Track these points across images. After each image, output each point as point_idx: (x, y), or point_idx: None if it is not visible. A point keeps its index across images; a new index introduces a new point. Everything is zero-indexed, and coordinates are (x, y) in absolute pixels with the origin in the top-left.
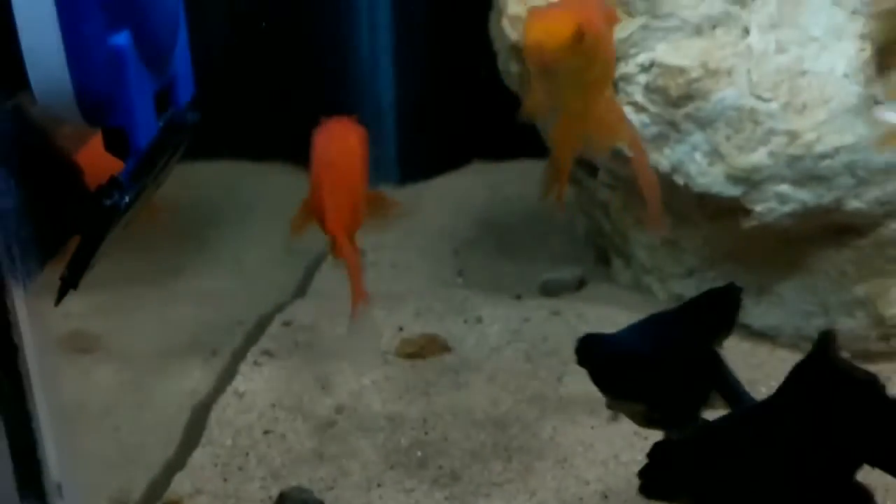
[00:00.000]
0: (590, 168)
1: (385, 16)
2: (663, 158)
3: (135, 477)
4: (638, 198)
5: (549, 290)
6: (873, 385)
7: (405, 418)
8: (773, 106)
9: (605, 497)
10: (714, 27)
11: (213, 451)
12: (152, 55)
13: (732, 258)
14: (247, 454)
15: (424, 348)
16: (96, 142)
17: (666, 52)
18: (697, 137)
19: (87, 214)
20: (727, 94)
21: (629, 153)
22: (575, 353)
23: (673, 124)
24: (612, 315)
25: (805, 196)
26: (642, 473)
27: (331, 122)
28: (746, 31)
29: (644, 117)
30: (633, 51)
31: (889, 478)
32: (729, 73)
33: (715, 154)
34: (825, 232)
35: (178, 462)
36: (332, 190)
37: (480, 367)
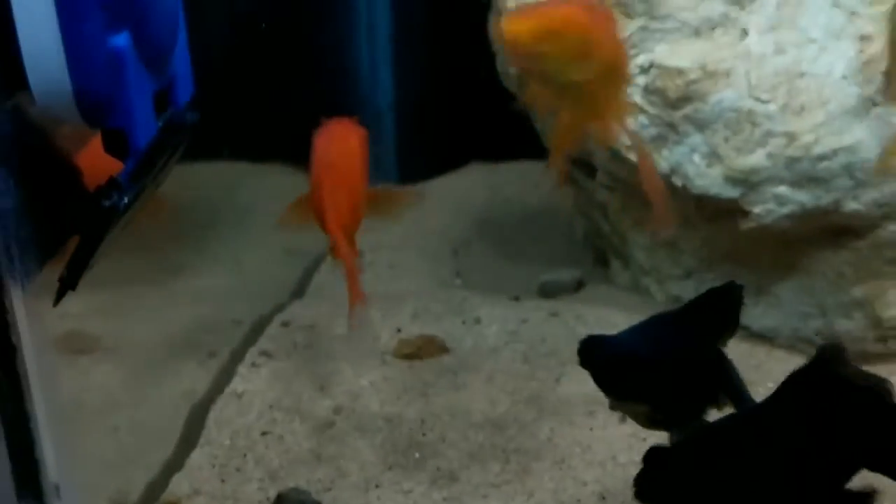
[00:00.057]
0: (588, 169)
1: (384, 17)
2: (662, 160)
3: (133, 477)
4: (637, 199)
5: (548, 292)
6: (875, 390)
7: (403, 419)
8: (772, 108)
9: (603, 498)
10: (713, 29)
11: (211, 452)
12: (152, 56)
13: (731, 259)
14: (245, 455)
15: (422, 349)
16: (97, 142)
17: (664, 53)
18: (696, 139)
19: (86, 215)
20: (726, 95)
21: (627, 155)
22: (577, 355)
23: (671, 126)
24: (610, 316)
25: (803, 198)
26: (638, 479)
27: (331, 123)
28: (745, 33)
29: (643, 119)
30: (631, 52)
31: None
32: (727, 74)
33: (713, 155)
34: (823, 233)
35: (176, 463)
36: (332, 190)
37: (478, 368)
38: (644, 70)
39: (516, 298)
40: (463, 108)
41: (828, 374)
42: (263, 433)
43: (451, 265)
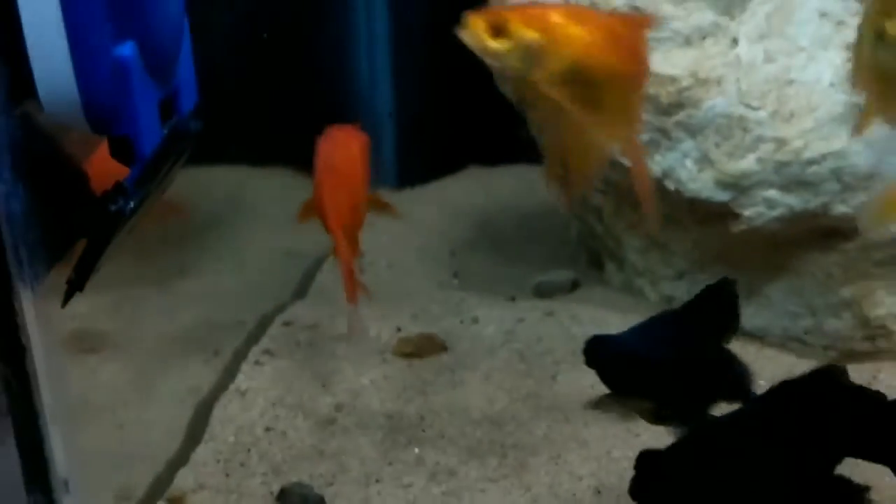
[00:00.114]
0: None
1: (383, 26)
2: (654, 165)
3: (139, 473)
4: (630, 202)
5: (543, 292)
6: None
7: (403, 416)
8: (762, 114)
9: (598, 492)
10: (704, 38)
11: (215, 448)
12: (157, 65)
13: (722, 261)
14: (248, 450)
15: (422, 348)
16: (105, 149)
17: (657, 61)
18: (688, 144)
19: (94, 219)
20: (717, 102)
21: (620, 159)
22: (583, 354)
23: (664, 132)
24: (604, 316)
25: (792, 201)
26: (632, 484)
27: (334, 128)
28: (735, 42)
29: None
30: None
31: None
32: (718, 82)
33: (705, 160)
34: (812, 236)
35: (181, 458)
36: (334, 192)
37: (476, 367)
38: None
39: (513, 299)
40: (461, 114)
41: (817, 378)
42: (267, 429)
43: (449, 266)
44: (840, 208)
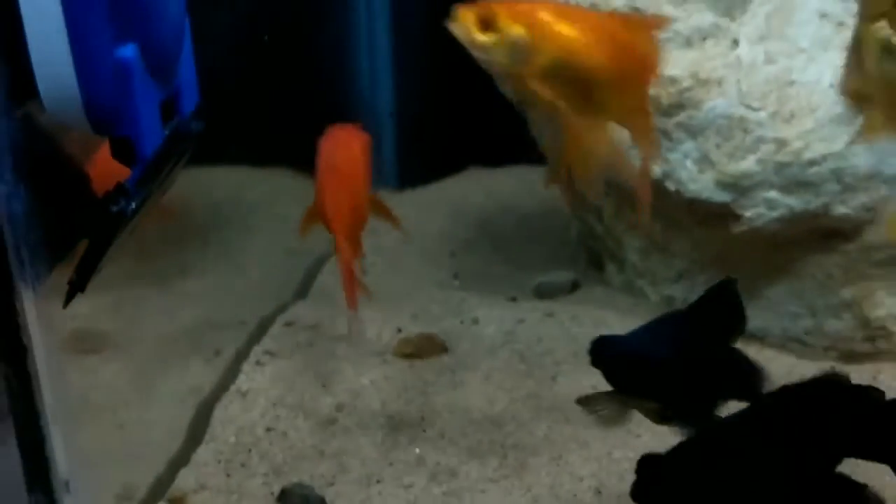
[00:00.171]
0: None
1: (384, 26)
2: (655, 166)
3: (140, 473)
4: (630, 203)
5: (544, 293)
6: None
7: (404, 416)
8: (762, 115)
9: (599, 493)
10: (704, 39)
11: (216, 448)
12: (158, 66)
13: (722, 262)
14: (249, 451)
15: (422, 349)
16: (107, 150)
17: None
18: (688, 145)
19: (95, 220)
20: (717, 103)
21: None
22: (588, 354)
23: (665, 132)
24: (605, 317)
25: (793, 202)
26: (634, 491)
27: (336, 128)
28: (736, 43)
29: None
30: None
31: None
32: (719, 83)
33: (705, 161)
34: (812, 236)
35: (182, 459)
36: (336, 193)
37: (477, 367)
38: None
39: (513, 299)
40: (461, 115)
41: (818, 382)
42: (268, 430)
43: (449, 267)
44: (840, 209)
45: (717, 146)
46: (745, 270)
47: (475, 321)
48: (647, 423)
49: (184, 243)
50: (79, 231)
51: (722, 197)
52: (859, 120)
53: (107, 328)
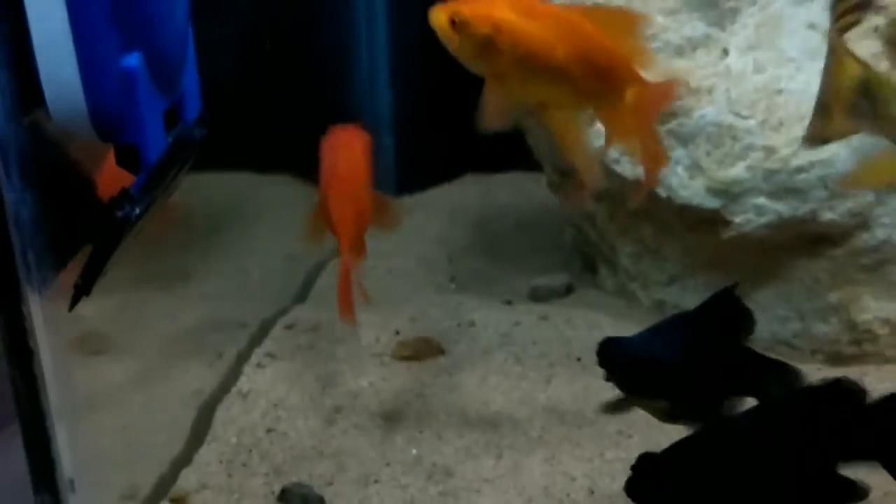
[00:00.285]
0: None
1: (383, 35)
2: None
3: (143, 473)
4: (623, 208)
5: (538, 296)
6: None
7: (401, 417)
8: (751, 123)
9: (592, 492)
10: (695, 48)
11: (218, 449)
12: (162, 75)
13: (712, 266)
14: (250, 451)
15: (420, 351)
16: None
17: (649, 72)
18: (679, 152)
19: (100, 225)
20: (707, 111)
21: (615, 167)
22: (596, 356)
23: None
24: (598, 320)
25: (781, 208)
26: (628, 487)
27: (338, 129)
28: (725, 53)
29: None
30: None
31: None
32: (709, 91)
33: (696, 168)
34: (800, 242)
35: (184, 459)
36: (339, 197)
37: (473, 369)
38: None
39: (509, 302)
40: (459, 123)
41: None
42: (268, 430)
43: (446, 271)
44: (828, 215)
45: (708, 153)
46: (734, 275)
47: (472, 324)
48: (639, 423)
49: (187, 247)
50: (84, 236)
51: (712, 203)
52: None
53: (111, 330)
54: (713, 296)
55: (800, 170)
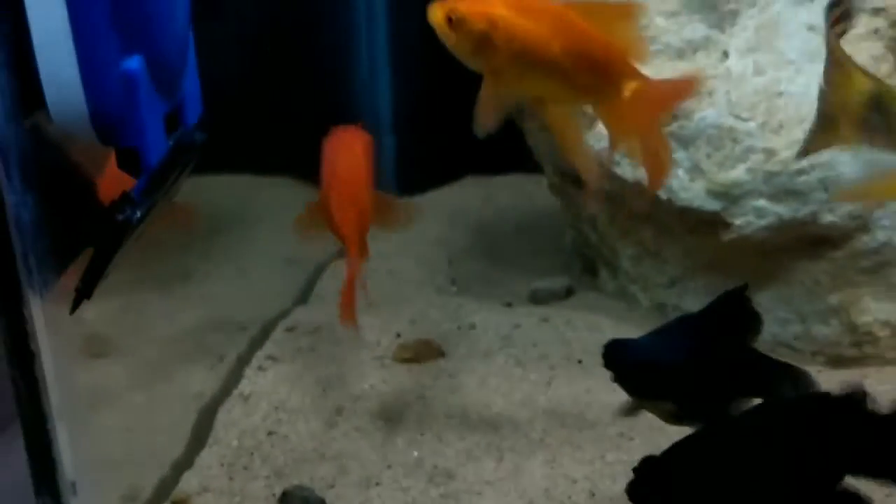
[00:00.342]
0: (578, 183)
1: (383, 37)
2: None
3: (145, 475)
4: (624, 211)
5: (539, 298)
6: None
7: (402, 420)
8: (752, 125)
9: (593, 495)
10: (695, 51)
11: (219, 451)
12: (163, 79)
13: (713, 269)
14: (252, 454)
15: (420, 353)
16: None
17: (650, 74)
18: (680, 155)
19: (101, 228)
20: (708, 113)
21: (615, 169)
22: (602, 358)
23: None
24: (598, 322)
25: (781, 210)
26: (630, 489)
27: (340, 130)
28: (726, 55)
29: None
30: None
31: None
32: (709, 94)
33: (696, 170)
34: (801, 244)
35: (186, 461)
36: (339, 195)
37: (473, 371)
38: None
39: (509, 305)
40: (459, 125)
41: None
42: (269, 433)
43: (447, 273)
44: (828, 217)
45: (708, 156)
46: (735, 277)
47: (472, 326)
48: (640, 426)
49: (187, 250)
50: (85, 239)
51: (712, 205)
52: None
53: (112, 333)
54: (721, 296)
55: (800, 172)
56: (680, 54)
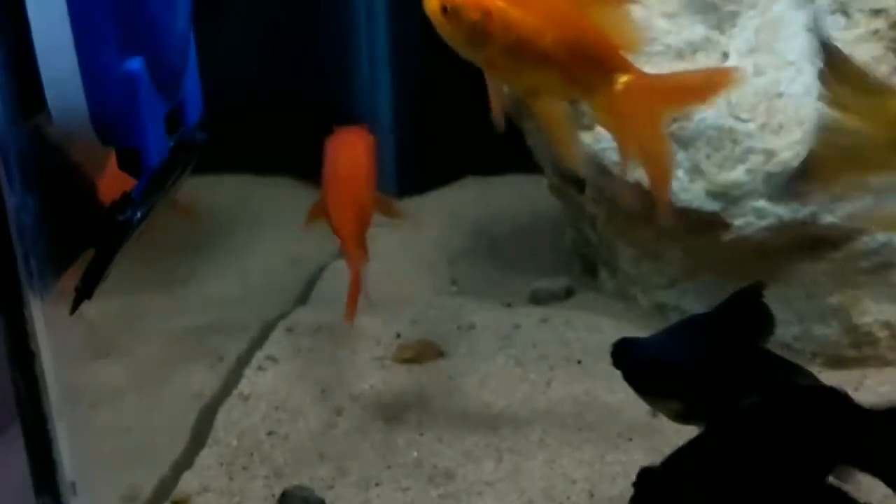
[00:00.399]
0: (578, 185)
1: (383, 39)
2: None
3: (145, 475)
4: (622, 211)
5: (538, 299)
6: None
7: (402, 420)
8: (751, 126)
9: (592, 495)
10: (695, 52)
11: (219, 452)
12: (163, 80)
13: (712, 269)
14: (251, 454)
15: (420, 353)
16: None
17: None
18: (680, 156)
19: (102, 229)
20: (708, 114)
21: (614, 170)
22: (610, 357)
23: None
24: (598, 322)
25: (781, 211)
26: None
27: (342, 130)
28: (725, 56)
29: None
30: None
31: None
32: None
33: (696, 171)
34: (801, 245)
35: (185, 461)
36: (341, 199)
37: (473, 372)
38: None
39: (509, 305)
40: (459, 126)
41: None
42: (269, 433)
43: (447, 273)
44: (827, 218)
45: (708, 156)
46: (734, 278)
47: (472, 327)
48: (639, 427)
49: (187, 250)
50: (86, 239)
51: (712, 206)
52: None
53: (112, 333)
54: (734, 295)
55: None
56: (680, 55)
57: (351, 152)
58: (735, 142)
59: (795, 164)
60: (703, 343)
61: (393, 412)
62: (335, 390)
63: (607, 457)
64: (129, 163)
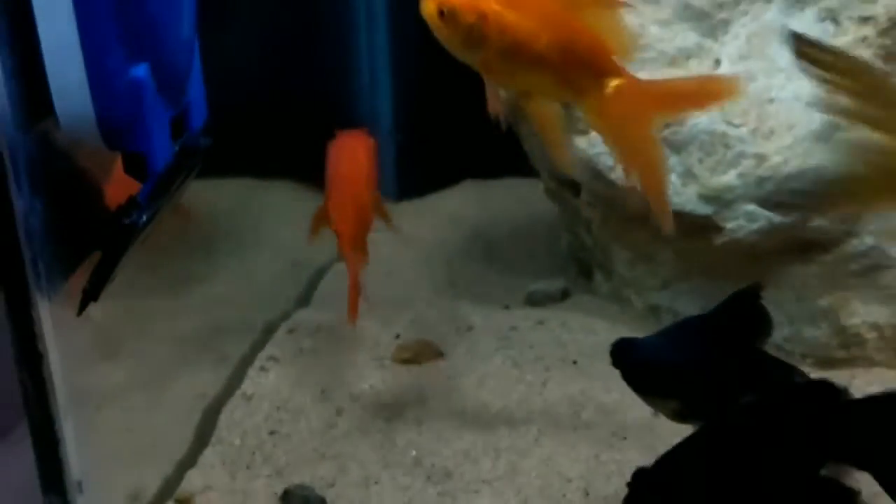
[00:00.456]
0: (574, 189)
1: (383, 42)
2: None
3: (149, 474)
4: (617, 215)
5: (535, 301)
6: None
7: (401, 420)
8: (743, 131)
9: (587, 493)
10: (688, 58)
11: (222, 451)
12: (169, 85)
13: (705, 272)
14: (253, 453)
15: (419, 354)
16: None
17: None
18: (672, 160)
19: (108, 232)
20: (700, 120)
21: (610, 175)
22: (609, 357)
23: None
24: (593, 324)
25: (772, 215)
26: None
27: (344, 134)
28: (718, 62)
29: None
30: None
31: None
32: None
33: (688, 175)
34: (791, 248)
35: (189, 461)
36: (341, 201)
37: (471, 372)
38: None
39: (506, 307)
40: (458, 130)
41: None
42: (271, 433)
43: (445, 275)
44: (817, 221)
45: (700, 161)
46: (726, 280)
47: (470, 328)
48: (633, 426)
49: (191, 252)
50: (92, 242)
51: (704, 210)
52: (837, 136)
53: (117, 334)
54: (732, 296)
55: (790, 177)
56: (673, 62)
57: (351, 155)
58: (727, 146)
59: (786, 168)
60: (701, 343)
61: (392, 412)
62: (336, 390)
63: (602, 455)
64: (135, 167)
